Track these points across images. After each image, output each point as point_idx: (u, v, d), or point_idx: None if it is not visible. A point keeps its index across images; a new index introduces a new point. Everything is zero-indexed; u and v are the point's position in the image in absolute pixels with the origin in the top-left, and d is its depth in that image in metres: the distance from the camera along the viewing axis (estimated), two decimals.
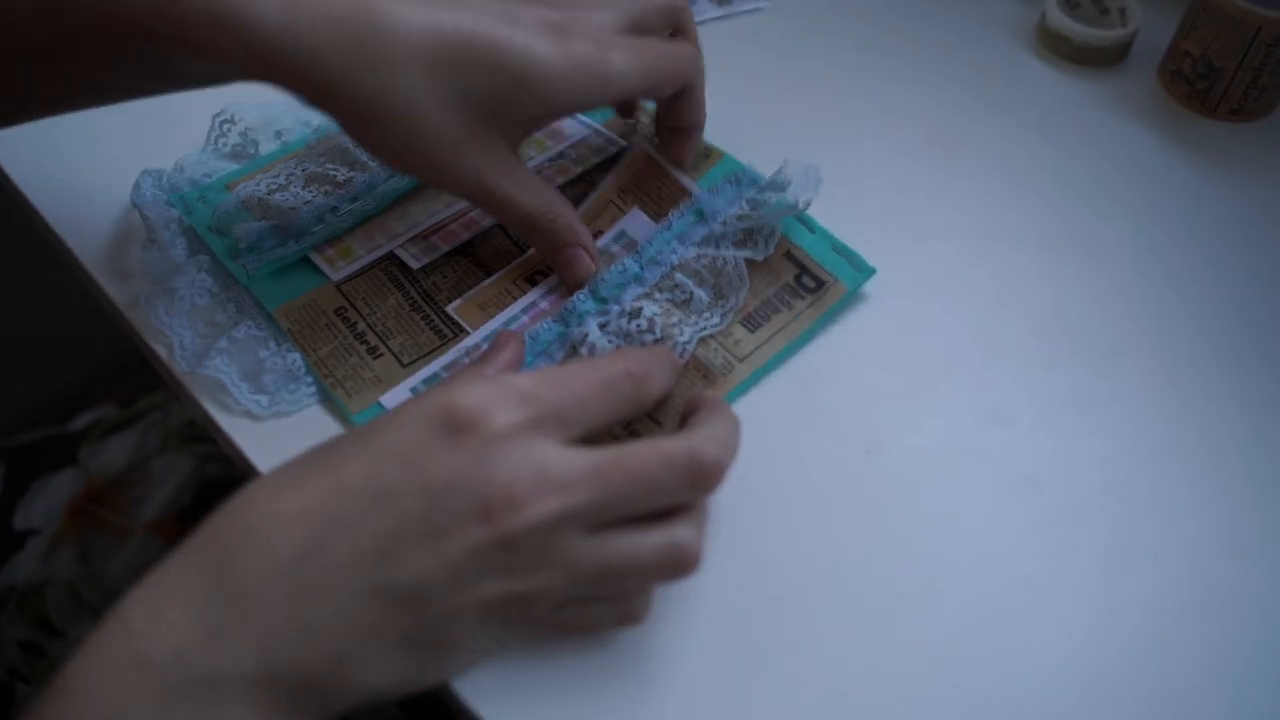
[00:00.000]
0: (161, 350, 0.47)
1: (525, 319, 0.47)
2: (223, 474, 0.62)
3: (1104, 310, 0.50)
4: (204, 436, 0.64)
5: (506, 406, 0.31)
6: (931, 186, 0.55)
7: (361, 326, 0.47)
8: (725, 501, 0.41)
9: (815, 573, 0.41)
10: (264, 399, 0.45)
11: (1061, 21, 0.61)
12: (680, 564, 0.33)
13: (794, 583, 0.41)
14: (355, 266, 0.49)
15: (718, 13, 0.59)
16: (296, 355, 0.46)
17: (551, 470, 0.30)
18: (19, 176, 0.53)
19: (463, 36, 0.37)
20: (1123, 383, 0.48)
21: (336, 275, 0.48)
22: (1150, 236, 0.54)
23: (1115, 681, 0.39)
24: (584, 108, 0.44)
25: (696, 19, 0.59)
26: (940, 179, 0.56)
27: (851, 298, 0.48)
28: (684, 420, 0.40)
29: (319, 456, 0.33)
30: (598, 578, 0.32)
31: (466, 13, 0.38)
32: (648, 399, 0.36)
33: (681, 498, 0.33)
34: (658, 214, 0.49)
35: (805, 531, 0.42)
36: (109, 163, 0.53)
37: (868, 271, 0.49)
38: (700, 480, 0.33)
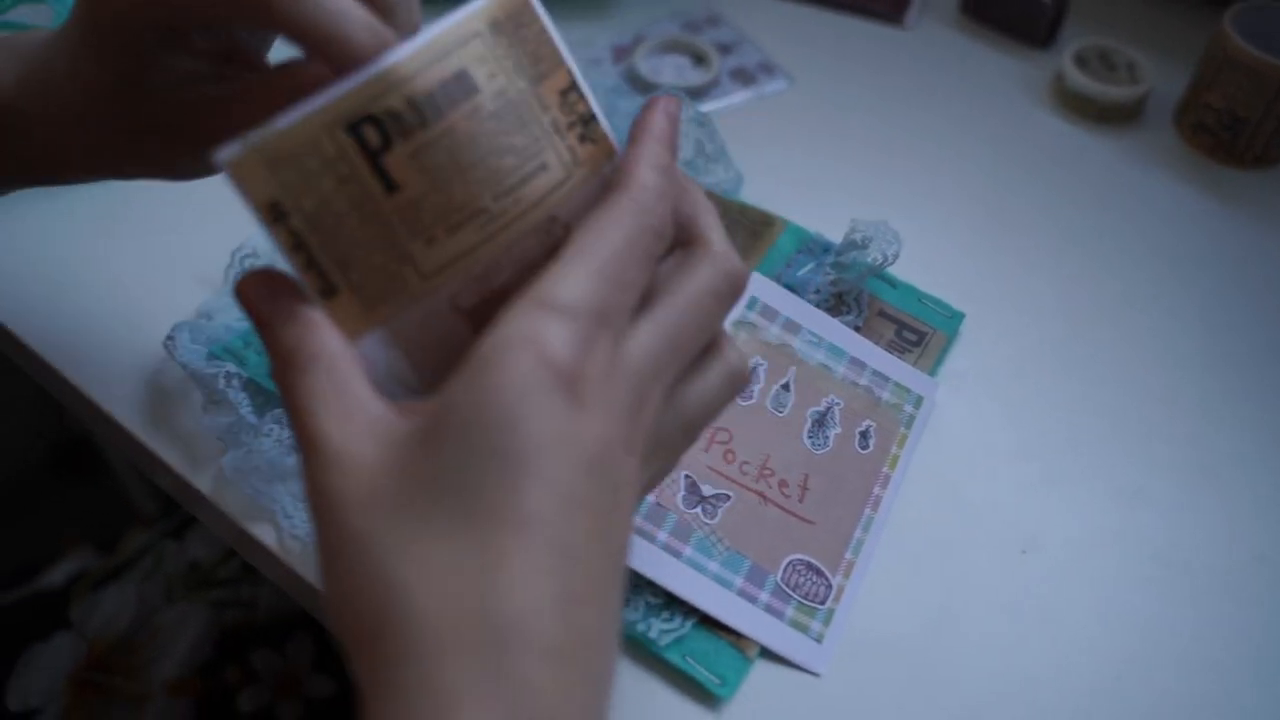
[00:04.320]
0: (260, 530, 0.39)
1: None
2: (243, 620, 0.53)
3: (1208, 370, 0.50)
4: (216, 580, 0.56)
5: (590, 344, 0.28)
6: (997, 256, 0.54)
7: None
8: (903, 628, 0.40)
9: (1002, 692, 0.38)
10: None
11: (1083, 83, 0.60)
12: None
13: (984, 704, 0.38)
14: None
15: (746, 94, 0.60)
16: None
17: (642, 369, 0.29)
18: (33, 339, 0.45)
19: None
20: (1237, 443, 0.47)
21: None
22: (1221, 293, 0.53)
23: None
24: None
25: (724, 101, 0.60)
26: (1006, 249, 0.54)
27: (953, 343, 0.49)
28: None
29: (471, 529, 0.26)
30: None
31: None
32: (669, 232, 0.32)
33: (727, 310, 0.32)
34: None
35: (980, 644, 0.40)
36: (122, 318, 0.45)
37: (958, 317, 0.49)
38: (738, 289, 0.31)
